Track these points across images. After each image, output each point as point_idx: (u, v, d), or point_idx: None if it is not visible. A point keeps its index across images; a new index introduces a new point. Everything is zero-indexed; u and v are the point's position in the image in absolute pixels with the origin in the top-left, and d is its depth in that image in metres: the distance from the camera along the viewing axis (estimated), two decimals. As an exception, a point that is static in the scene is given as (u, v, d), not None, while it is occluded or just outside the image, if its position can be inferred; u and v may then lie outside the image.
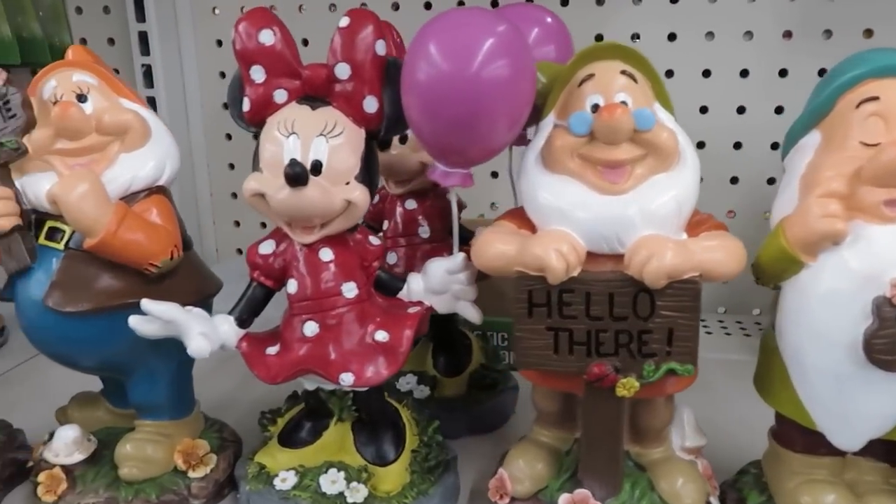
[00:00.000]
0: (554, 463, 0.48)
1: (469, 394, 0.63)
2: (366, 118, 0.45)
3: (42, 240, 0.47)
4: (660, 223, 0.40)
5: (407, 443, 0.51)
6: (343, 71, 0.44)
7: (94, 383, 0.57)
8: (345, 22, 0.44)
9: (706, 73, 0.86)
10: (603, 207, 0.41)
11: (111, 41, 1.04)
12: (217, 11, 1.00)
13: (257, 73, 0.44)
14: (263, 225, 1.05)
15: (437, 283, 0.48)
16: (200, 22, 1.01)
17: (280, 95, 0.45)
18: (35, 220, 0.47)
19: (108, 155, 0.46)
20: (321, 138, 0.43)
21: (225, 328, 0.46)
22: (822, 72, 0.80)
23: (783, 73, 0.84)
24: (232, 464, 0.53)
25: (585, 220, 0.41)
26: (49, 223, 0.47)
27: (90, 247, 0.44)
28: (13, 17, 0.92)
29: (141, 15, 0.97)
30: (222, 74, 1.02)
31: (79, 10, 1.04)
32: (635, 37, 0.87)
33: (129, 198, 0.46)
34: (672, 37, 0.86)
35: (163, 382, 0.50)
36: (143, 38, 0.98)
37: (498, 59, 0.40)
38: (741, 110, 0.86)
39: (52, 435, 0.53)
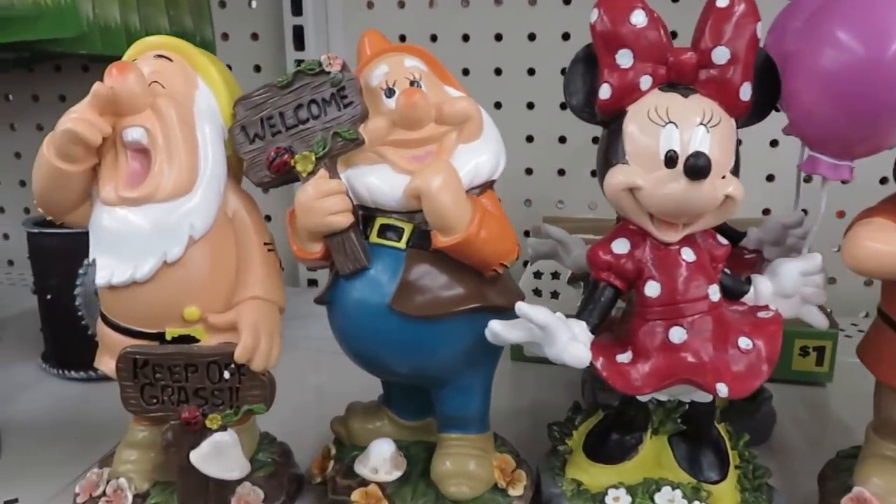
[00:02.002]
0: (917, 481, 0.44)
1: (732, 404, 0.60)
2: (737, 106, 0.41)
3: (374, 237, 0.43)
4: None
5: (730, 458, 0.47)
6: (722, 55, 0.40)
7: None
8: (724, 2, 0.40)
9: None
10: None
11: (254, 36, 1.00)
12: (372, 6, 0.97)
13: (624, 58, 0.41)
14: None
15: (790, 286, 0.44)
16: (352, 17, 0.97)
17: (645, 82, 0.41)
18: (362, 217, 0.44)
19: (446, 146, 0.43)
20: (701, 128, 0.40)
21: (577, 331, 0.42)
22: None
23: None
24: (534, 479, 0.49)
25: None
26: (380, 220, 0.43)
27: (447, 245, 0.40)
28: (167, 9, 0.88)
29: (297, 9, 0.94)
30: (373, 71, 0.98)
31: (222, 4, 1.01)
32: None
33: (468, 193, 0.43)
34: None
35: (477, 393, 0.46)
36: (297, 32, 0.95)
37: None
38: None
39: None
